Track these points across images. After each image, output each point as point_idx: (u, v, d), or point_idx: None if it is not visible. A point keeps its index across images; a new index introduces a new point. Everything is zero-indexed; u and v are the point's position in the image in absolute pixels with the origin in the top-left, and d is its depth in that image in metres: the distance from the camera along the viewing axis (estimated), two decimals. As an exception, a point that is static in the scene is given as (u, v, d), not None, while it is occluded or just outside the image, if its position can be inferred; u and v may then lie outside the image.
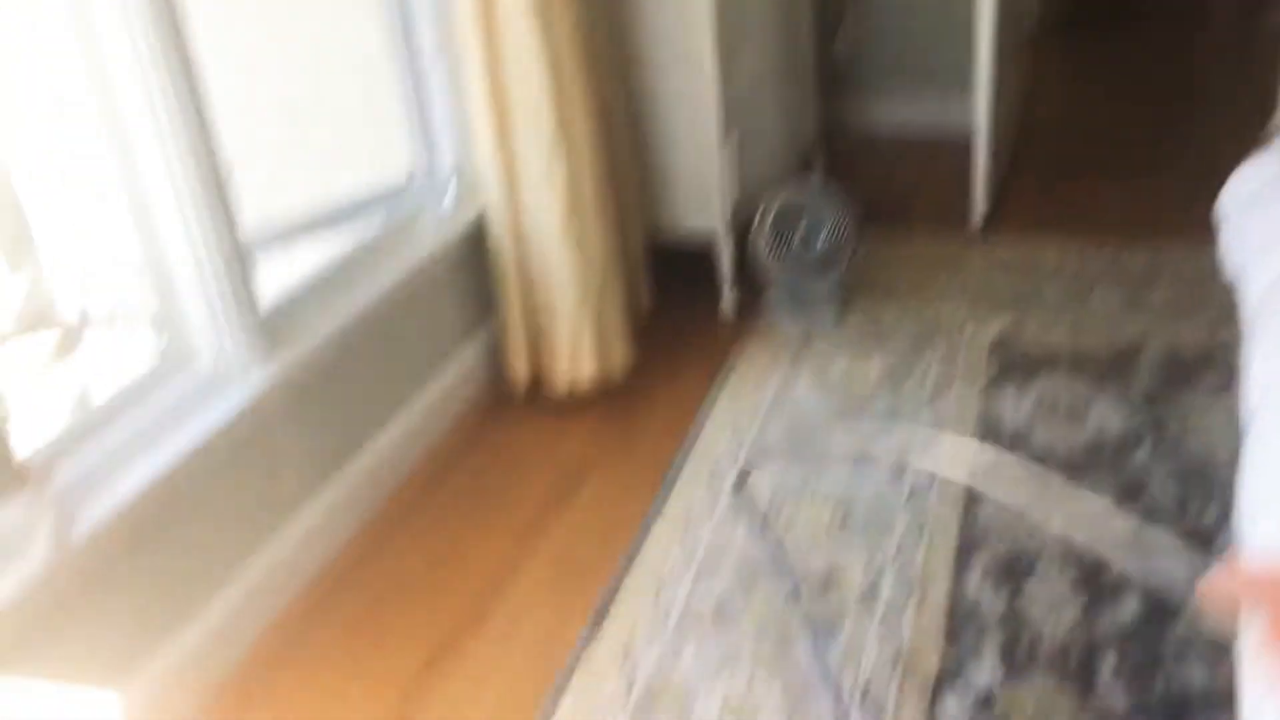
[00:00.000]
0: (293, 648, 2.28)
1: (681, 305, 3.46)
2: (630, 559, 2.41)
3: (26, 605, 1.78)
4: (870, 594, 2.22)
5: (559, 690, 2.08)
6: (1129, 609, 2.09)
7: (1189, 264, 3.33)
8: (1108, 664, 1.98)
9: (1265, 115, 3.37)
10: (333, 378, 2.51)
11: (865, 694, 1.99)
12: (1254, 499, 1.35)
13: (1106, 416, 2.68)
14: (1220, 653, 1.96)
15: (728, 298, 3.42)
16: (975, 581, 2.21)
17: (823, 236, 3.23)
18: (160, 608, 2.09)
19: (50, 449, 1.97)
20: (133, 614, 2.03)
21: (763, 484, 2.57)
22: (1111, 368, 2.87)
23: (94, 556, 1.91)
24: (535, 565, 2.44)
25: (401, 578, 2.45)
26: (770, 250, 3.22)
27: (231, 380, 2.26)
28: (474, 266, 3.00)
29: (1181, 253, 3.39)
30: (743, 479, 1.50)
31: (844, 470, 2.60)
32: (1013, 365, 2.95)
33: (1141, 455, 2.52)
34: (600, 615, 2.25)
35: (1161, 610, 2.07)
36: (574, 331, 2.90)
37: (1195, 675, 1.93)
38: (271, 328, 2.35)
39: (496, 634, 2.26)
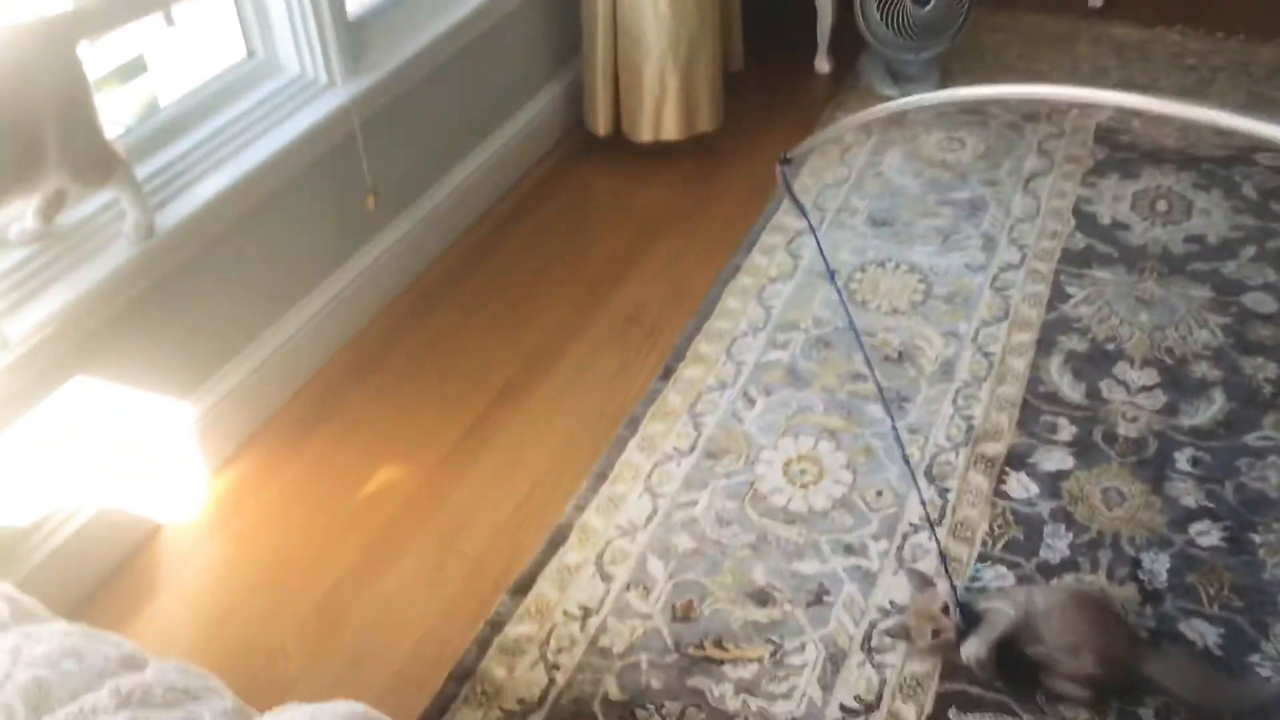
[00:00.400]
0: (365, 371, 2.31)
1: (777, 65, 3.31)
2: (704, 316, 2.38)
3: (111, 298, 1.80)
4: (946, 371, 2.19)
5: (627, 432, 2.10)
6: (1212, 409, 2.06)
7: (1321, 64, 3.12)
8: (1182, 460, 1.96)
9: None
10: (418, 100, 2.44)
11: (931, 466, 1.99)
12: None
13: (1210, 217, 2.56)
14: (1300, 459, 1.94)
15: (823, 60, 3.26)
16: (1055, 368, 2.18)
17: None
18: (240, 319, 2.11)
19: (138, 140, 1.94)
20: (211, 323, 2.05)
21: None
22: (1223, 167, 2.72)
23: (175, 256, 1.91)
24: (608, 313, 2.43)
25: (477, 311, 2.45)
26: (879, 9, 3.03)
27: (318, 90, 2.20)
28: (565, 2, 2.86)
29: (1315, 51, 3.18)
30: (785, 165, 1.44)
31: (931, 244, 2.53)
32: (1117, 156, 2.80)
33: (1243, 259, 2.42)
34: (670, 368, 2.25)
35: (1242, 414, 2.04)
36: (660, 82, 2.78)
37: (1270, 480, 1.91)
38: (359, 40, 2.27)
39: (567, 375, 2.27)
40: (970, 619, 1.60)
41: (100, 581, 1.87)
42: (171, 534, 1.97)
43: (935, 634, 1.61)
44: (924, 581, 1.68)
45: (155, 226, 1.84)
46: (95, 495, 1.85)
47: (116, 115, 1.99)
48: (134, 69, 2.13)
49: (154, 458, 1.95)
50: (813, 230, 1.81)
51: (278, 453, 2.12)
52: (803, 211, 1.58)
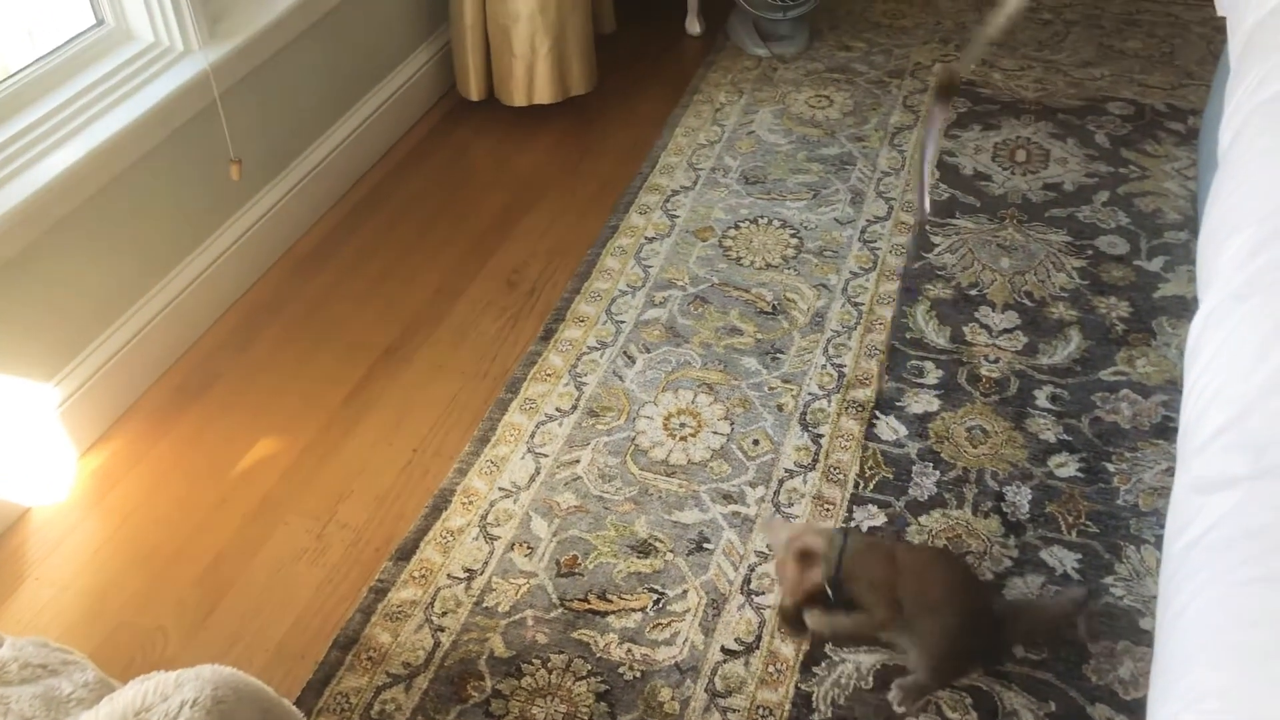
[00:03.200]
0: (240, 344, 2.27)
1: (648, 28, 3.32)
2: (583, 277, 2.40)
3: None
4: (817, 322, 2.25)
5: (509, 395, 2.11)
6: (1069, 348, 2.15)
7: (1167, 14, 3.25)
8: (1042, 398, 2.05)
9: None
10: (282, 66, 2.39)
11: (805, 414, 2.04)
12: (1223, 223, 1.35)
13: (1066, 165, 2.66)
14: (1145, 393, 2.04)
15: (694, 21, 3.28)
16: (921, 315, 2.25)
17: (798, -41, 3.07)
18: (104, 297, 2.05)
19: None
20: (72, 303, 1.99)
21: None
22: (1077, 117, 2.83)
23: (26, 235, 1.85)
24: (488, 276, 2.42)
25: (355, 278, 2.42)
26: (743, -30, 3.06)
27: (174, 58, 2.14)
28: (429, -36, 2.83)
29: (1162, 4, 3.31)
30: None
31: (802, 199, 2.58)
32: (977, 108, 2.89)
33: (1096, 204, 2.53)
34: (551, 330, 2.26)
35: (1097, 352, 2.13)
36: (531, 45, 2.77)
37: (1122, 413, 2.01)
38: (216, 5, 2.22)
39: (447, 339, 2.26)
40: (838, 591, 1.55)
41: (-36, 571, 1.82)
42: (40, 517, 1.91)
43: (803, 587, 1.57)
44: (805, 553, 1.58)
45: None
46: (-46, 482, 1.78)
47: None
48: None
49: (16, 441, 1.88)
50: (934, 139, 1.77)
51: (150, 431, 2.08)
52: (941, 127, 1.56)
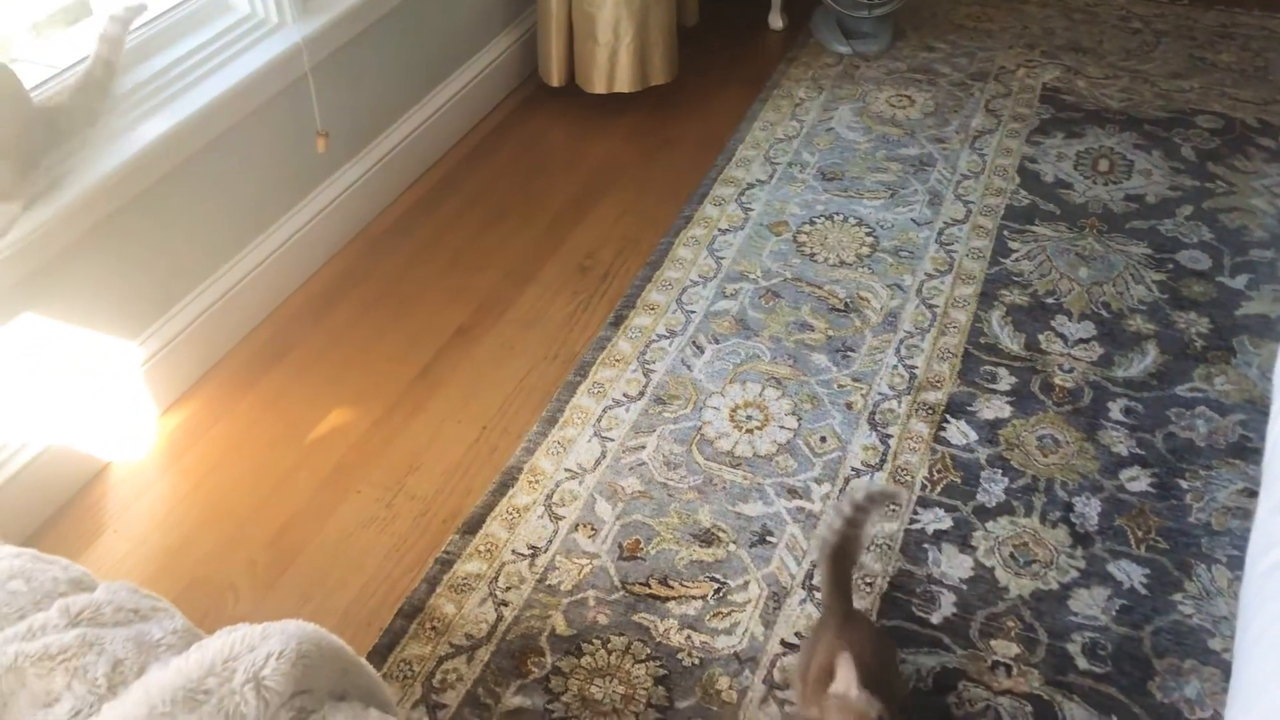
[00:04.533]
0: (318, 314, 2.31)
1: (731, 21, 3.32)
2: (655, 266, 2.41)
3: (57, 236, 1.78)
4: (890, 322, 2.24)
5: (577, 378, 2.13)
6: (1145, 361, 2.12)
7: (1262, 27, 3.18)
8: (1115, 410, 2.02)
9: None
10: (371, 43, 2.42)
11: (874, 414, 2.04)
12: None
13: (1150, 177, 2.62)
14: (1223, 411, 2.00)
15: (776, 16, 3.28)
16: (996, 321, 2.23)
17: (886, -43, 3.05)
18: (191, 259, 2.10)
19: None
20: (161, 264, 2.04)
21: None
22: (1163, 129, 2.78)
23: (121, 195, 1.89)
24: (561, 260, 2.44)
25: (431, 256, 2.46)
26: (829, -34, 3.05)
27: (268, 30, 2.18)
28: (518, -51, 2.85)
29: (1256, 17, 3.24)
30: None
31: (879, 198, 2.56)
32: (1061, 115, 2.86)
33: (1179, 218, 2.49)
34: (621, 316, 2.28)
35: (1174, 367, 2.10)
36: (614, 33, 2.78)
37: (1198, 429, 1.98)
38: (309, -16, 2.25)
39: (519, 321, 2.29)
40: None
41: (46, 518, 1.87)
42: (120, 472, 1.97)
43: None
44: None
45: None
46: (41, 432, 1.84)
47: (62, 58, 1.96)
48: (78, 11, 2.10)
49: (102, 397, 1.94)
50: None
51: (229, 394, 2.12)
52: None
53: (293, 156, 2.29)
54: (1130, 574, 1.75)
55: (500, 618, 1.71)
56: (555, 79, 2.92)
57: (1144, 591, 1.72)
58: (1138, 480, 1.89)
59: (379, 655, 1.66)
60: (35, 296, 1.78)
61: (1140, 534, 1.81)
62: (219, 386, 2.14)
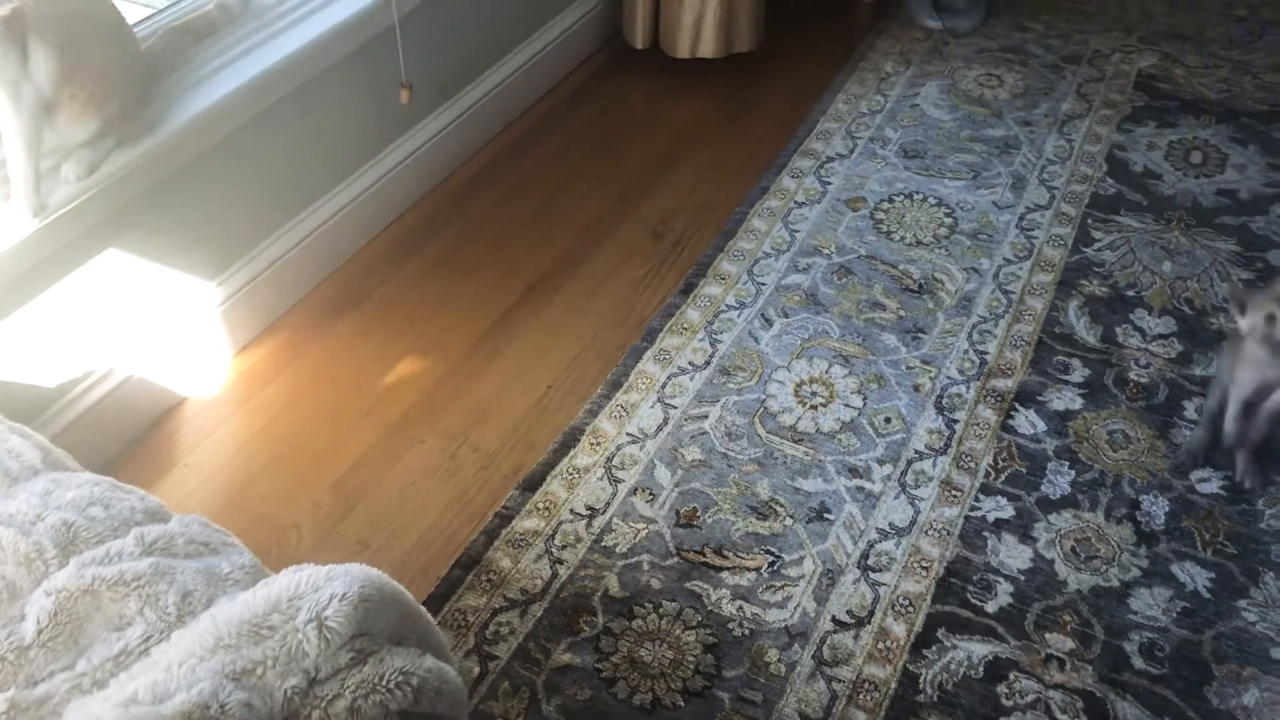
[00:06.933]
0: (394, 263, 2.34)
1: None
2: (729, 235, 2.40)
3: (145, 174, 1.82)
4: (964, 306, 2.21)
5: (644, 343, 2.13)
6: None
7: (1374, 25, 3.07)
8: (1191, 410, 1.98)
9: None
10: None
11: (942, 397, 2.01)
12: None
13: (1245, 172, 2.54)
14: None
15: (868, -14, 3.23)
16: (1073, 310, 2.19)
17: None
18: (272, 203, 2.14)
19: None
20: (242, 206, 2.07)
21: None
22: (1262, 122, 2.70)
23: (208, 137, 1.93)
24: (635, 224, 2.44)
25: (508, 211, 2.47)
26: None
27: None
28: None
29: (1369, 12, 3.12)
30: None
31: (961, 179, 2.52)
32: (1155, 104, 2.78)
33: (1272, 216, 2.41)
34: (691, 284, 2.27)
35: (1258, 367, 2.05)
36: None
37: (1275, 435, 1.93)
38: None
39: (590, 281, 2.29)
40: None
41: (122, 448, 1.93)
42: (193, 407, 2.02)
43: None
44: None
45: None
46: (123, 363, 1.89)
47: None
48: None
49: (180, 334, 1.98)
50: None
51: (302, 337, 2.16)
52: None
53: (377, 106, 2.31)
54: (1195, 576, 1.72)
55: (555, 575, 1.73)
56: (640, 41, 2.91)
57: (1207, 595, 1.69)
58: (1208, 482, 1.86)
59: (434, 604, 1.69)
60: (122, 232, 1.82)
61: (1208, 537, 1.77)
62: (294, 330, 2.18)
